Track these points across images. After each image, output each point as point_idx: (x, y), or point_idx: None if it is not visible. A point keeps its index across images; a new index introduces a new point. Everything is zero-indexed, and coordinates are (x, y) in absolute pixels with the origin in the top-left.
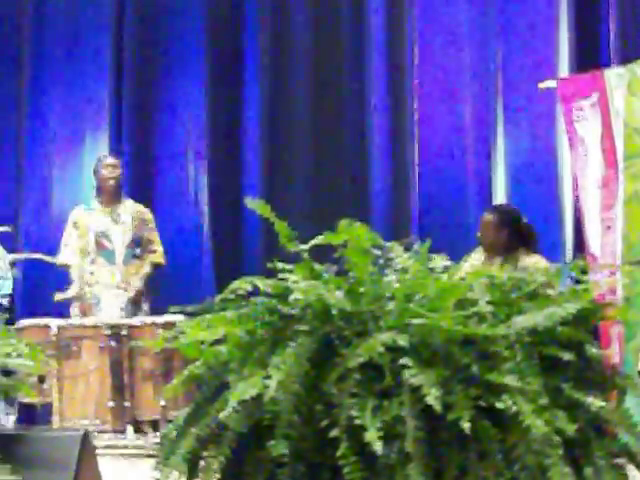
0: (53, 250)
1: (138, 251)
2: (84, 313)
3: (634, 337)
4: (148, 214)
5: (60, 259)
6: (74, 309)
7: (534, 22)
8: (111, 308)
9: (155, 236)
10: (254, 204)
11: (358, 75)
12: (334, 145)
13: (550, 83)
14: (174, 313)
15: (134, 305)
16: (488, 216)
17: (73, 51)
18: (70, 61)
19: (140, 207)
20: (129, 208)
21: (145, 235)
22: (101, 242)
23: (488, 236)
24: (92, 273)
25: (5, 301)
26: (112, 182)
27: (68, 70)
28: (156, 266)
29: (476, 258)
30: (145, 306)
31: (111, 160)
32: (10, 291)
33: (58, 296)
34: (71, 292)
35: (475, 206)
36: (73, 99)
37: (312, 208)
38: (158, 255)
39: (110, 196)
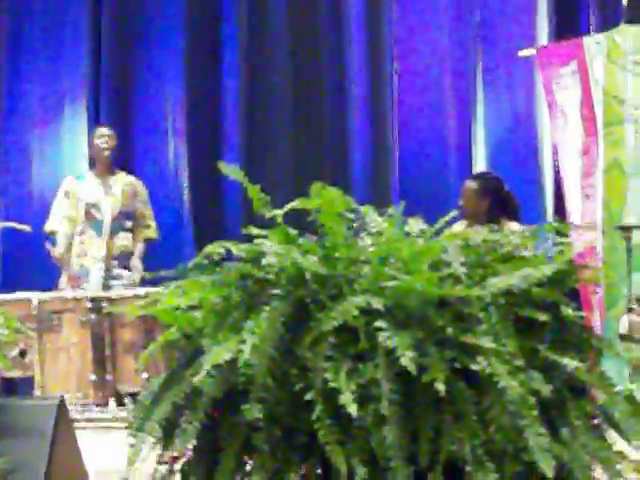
0: (33, 223)
1: (129, 224)
2: (72, 284)
3: (615, 304)
4: (141, 187)
5: (47, 226)
6: (62, 279)
7: None
8: (95, 281)
9: (148, 210)
10: (228, 169)
11: (335, 41)
12: (314, 117)
13: (529, 51)
14: (150, 282)
15: (117, 276)
16: (470, 184)
17: (51, 25)
18: (48, 35)
19: (132, 179)
20: (121, 180)
21: (138, 208)
22: (91, 213)
23: (470, 204)
24: (82, 243)
25: None
26: (106, 152)
27: (46, 44)
28: (149, 241)
29: (457, 229)
30: (129, 280)
31: (105, 130)
32: None
33: (47, 245)
34: (55, 252)
35: (455, 176)
36: (51, 73)
37: (292, 180)
38: (151, 230)
39: (103, 167)
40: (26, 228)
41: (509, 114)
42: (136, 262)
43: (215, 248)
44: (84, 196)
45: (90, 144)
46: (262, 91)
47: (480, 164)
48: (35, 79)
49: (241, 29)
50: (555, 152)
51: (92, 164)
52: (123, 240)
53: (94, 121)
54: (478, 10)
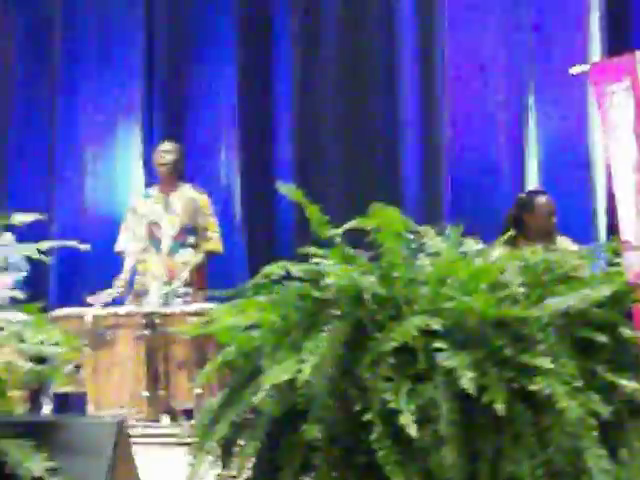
0: (85, 238)
1: (192, 240)
2: (135, 302)
3: None
4: (203, 200)
5: (117, 246)
6: (129, 298)
7: (565, 7)
8: (156, 299)
9: (211, 222)
10: (286, 189)
11: (388, 57)
12: (365, 132)
13: (582, 68)
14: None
15: (180, 294)
16: (552, 200)
17: (105, 41)
18: (102, 51)
19: (195, 193)
20: (183, 195)
21: (200, 222)
22: (152, 231)
23: (554, 222)
24: (144, 261)
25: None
26: (162, 168)
27: (100, 60)
28: (211, 253)
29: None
30: (200, 295)
31: (164, 146)
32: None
33: (89, 299)
34: (105, 297)
35: (507, 193)
36: (105, 91)
37: (344, 196)
38: (213, 242)
39: (163, 182)
40: (87, 248)
41: (561, 131)
42: (183, 274)
43: (274, 268)
44: (146, 213)
45: (153, 160)
46: (314, 105)
47: (532, 181)
48: (89, 94)
49: (294, 42)
50: (608, 169)
51: (157, 179)
52: (184, 257)
53: (148, 135)
54: (530, 27)
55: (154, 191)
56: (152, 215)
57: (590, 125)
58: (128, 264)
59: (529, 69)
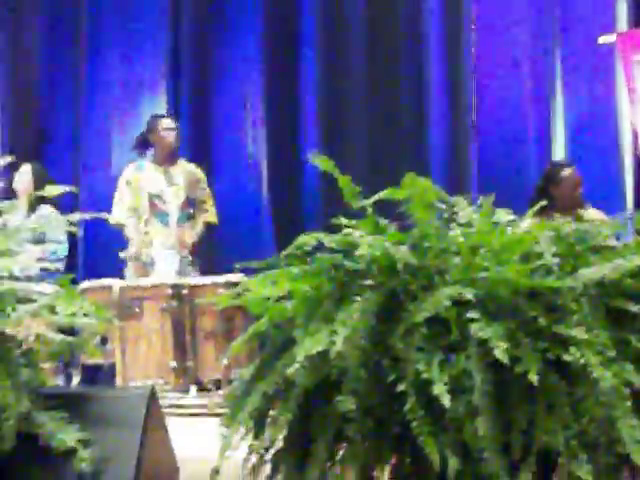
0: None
1: (191, 210)
2: (139, 274)
3: None
4: (200, 174)
5: (113, 217)
6: (128, 270)
7: None
8: (166, 269)
9: (207, 196)
10: (318, 159)
11: (414, 30)
12: (391, 106)
13: (609, 38)
14: (238, 271)
15: (189, 263)
16: (578, 172)
17: (130, 13)
18: (128, 23)
19: (192, 167)
20: (182, 169)
21: (198, 195)
22: (155, 203)
23: (581, 193)
24: (147, 233)
25: (61, 265)
26: (172, 147)
27: (125, 32)
28: (209, 225)
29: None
30: (196, 267)
31: (171, 123)
32: (65, 254)
33: (122, 254)
34: (132, 250)
35: (534, 164)
36: (131, 61)
37: (371, 169)
38: (211, 214)
39: (166, 156)
40: (108, 218)
41: (589, 101)
42: (190, 241)
43: (307, 239)
44: (146, 186)
45: (152, 132)
46: (340, 82)
47: (559, 152)
48: (115, 67)
49: (319, 17)
50: (635, 138)
51: (154, 152)
52: (189, 228)
53: (173, 108)
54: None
55: (147, 164)
56: (153, 188)
57: (617, 94)
58: (132, 233)
59: (556, 40)
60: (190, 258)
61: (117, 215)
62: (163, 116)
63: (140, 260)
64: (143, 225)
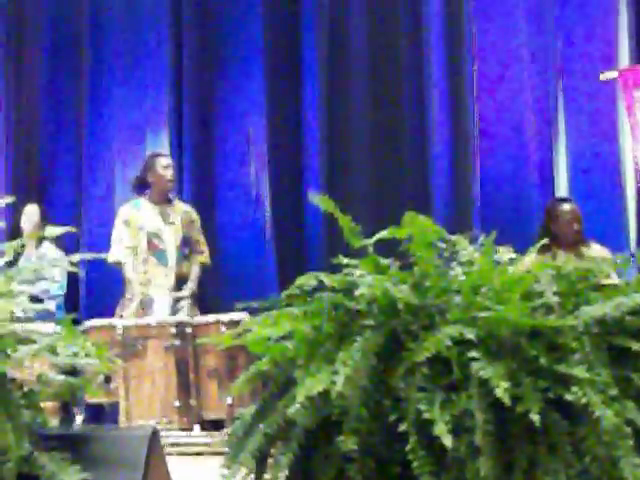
0: None
1: (186, 251)
2: (138, 315)
3: None
4: (195, 214)
5: (111, 256)
6: (127, 310)
7: (594, 13)
8: (165, 309)
9: (201, 237)
10: (317, 199)
11: (416, 63)
12: (394, 139)
13: (611, 74)
14: (240, 310)
15: (191, 306)
16: (577, 208)
17: (133, 54)
18: (130, 64)
19: (188, 207)
20: (178, 208)
21: (193, 235)
22: (153, 242)
23: (581, 229)
24: (145, 272)
25: (52, 304)
26: (170, 184)
27: (128, 73)
28: (204, 266)
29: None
30: (194, 308)
31: (168, 160)
32: (59, 293)
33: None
34: (132, 295)
35: (537, 200)
36: (133, 100)
37: (373, 204)
38: (205, 256)
39: (164, 196)
40: (106, 258)
41: (591, 137)
42: (190, 285)
43: (307, 279)
44: (144, 224)
45: (150, 170)
46: (342, 117)
47: (562, 187)
48: (118, 107)
49: (321, 55)
50: (638, 174)
51: (151, 191)
52: (184, 268)
53: (177, 147)
54: (559, 33)
55: (144, 203)
56: (150, 226)
57: (620, 130)
58: (131, 274)
59: (558, 75)
60: (188, 300)
61: (116, 254)
62: (160, 154)
63: (139, 300)
64: (141, 264)
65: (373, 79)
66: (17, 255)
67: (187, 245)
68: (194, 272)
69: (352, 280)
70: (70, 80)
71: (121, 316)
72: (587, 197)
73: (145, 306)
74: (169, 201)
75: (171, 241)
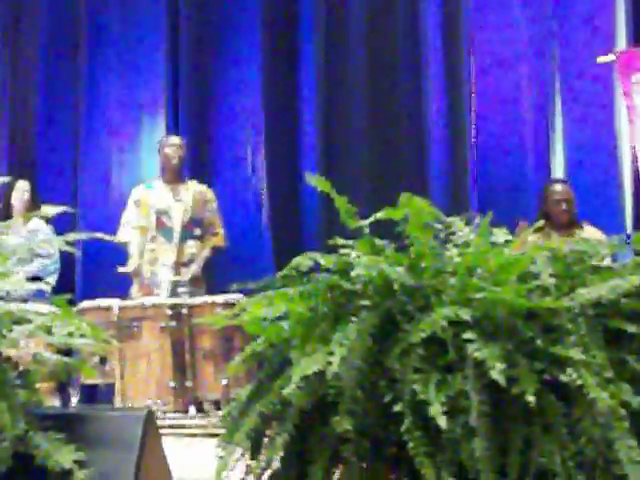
0: (111, 230)
1: (198, 232)
2: (144, 292)
3: None
4: (210, 194)
5: (119, 237)
6: (134, 288)
7: None
8: (168, 288)
9: (217, 218)
10: (314, 180)
11: (413, 52)
12: (391, 125)
13: (609, 57)
14: (235, 291)
15: (192, 288)
16: (569, 189)
17: (130, 36)
18: (126, 46)
19: (203, 188)
20: (191, 188)
21: (206, 216)
22: (161, 220)
23: (571, 209)
24: (152, 250)
25: (51, 279)
26: (175, 161)
27: (125, 55)
28: (217, 249)
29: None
30: (202, 290)
31: (175, 140)
32: (55, 268)
33: (120, 269)
34: (130, 266)
35: (534, 183)
36: (129, 82)
37: (370, 186)
38: (220, 238)
39: (173, 175)
40: (113, 238)
41: (588, 121)
42: (194, 267)
43: (303, 260)
44: (154, 203)
45: (160, 151)
46: (339, 99)
47: (559, 171)
48: (114, 89)
49: (317, 36)
50: (634, 156)
51: (162, 172)
52: (192, 248)
53: (173, 130)
54: (555, 17)
55: (158, 183)
56: (160, 204)
57: (617, 113)
58: (134, 250)
59: (555, 59)
60: (186, 286)
61: (123, 234)
62: (171, 135)
63: (142, 277)
64: (149, 242)
65: (370, 61)
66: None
67: (198, 225)
68: (202, 254)
69: (348, 261)
70: (66, 64)
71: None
72: (583, 180)
73: (151, 283)
74: (181, 180)
75: (178, 218)
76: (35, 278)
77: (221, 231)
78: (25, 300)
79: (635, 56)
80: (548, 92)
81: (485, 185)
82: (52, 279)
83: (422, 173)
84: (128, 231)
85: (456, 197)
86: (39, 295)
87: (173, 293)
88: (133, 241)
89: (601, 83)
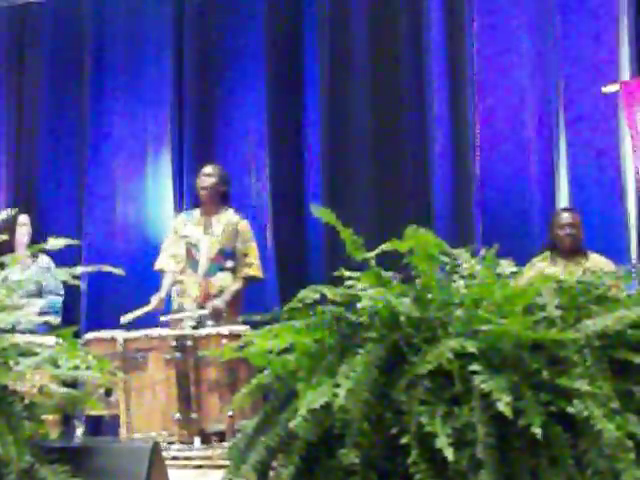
0: (115, 262)
1: (230, 264)
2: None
3: None
4: (244, 225)
5: (156, 265)
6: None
7: (595, 27)
8: (188, 322)
9: (251, 248)
10: (319, 211)
11: (417, 79)
12: (395, 152)
13: (613, 87)
14: (241, 323)
15: (213, 321)
16: (575, 216)
17: (134, 66)
18: (132, 77)
19: (236, 218)
20: (224, 218)
21: (239, 247)
22: (191, 252)
23: (577, 236)
24: (181, 282)
25: (58, 317)
26: (203, 192)
27: (130, 86)
28: (252, 279)
29: (540, 266)
30: (234, 321)
31: (207, 169)
32: (60, 306)
33: (122, 319)
34: (146, 307)
35: (539, 213)
36: (135, 114)
37: (375, 218)
38: (254, 268)
39: (205, 205)
40: (121, 272)
41: (592, 150)
42: (217, 300)
43: (309, 292)
44: (187, 234)
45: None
46: (343, 129)
47: (563, 201)
48: (120, 120)
49: (323, 65)
50: (639, 185)
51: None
52: (221, 280)
53: (178, 161)
54: (560, 47)
55: (196, 213)
56: (192, 236)
57: (622, 144)
58: (166, 282)
59: (559, 88)
60: (211, 314)
61: (159, 262)
62: (206, 164)
63: (172, 310)
64: (179, 274)
65: (373, 88)
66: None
67: (230, 257)
68: (230, 287)
69: (354, 293)
70: (71, 95)
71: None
72: (588, 211)
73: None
74: (216, 211)
75: (205, 251)
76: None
77: (256, 262)
78: (32, 333)
79: (638, 85)
80: (553, 123)
81: (489, 219)
82: (58, 318)
83: (426, 207)
84: (164, 259)
85: (460, 229)
86: (45, 330)
87: (196, 327)
88: (168, 272)
89: (605, 113)
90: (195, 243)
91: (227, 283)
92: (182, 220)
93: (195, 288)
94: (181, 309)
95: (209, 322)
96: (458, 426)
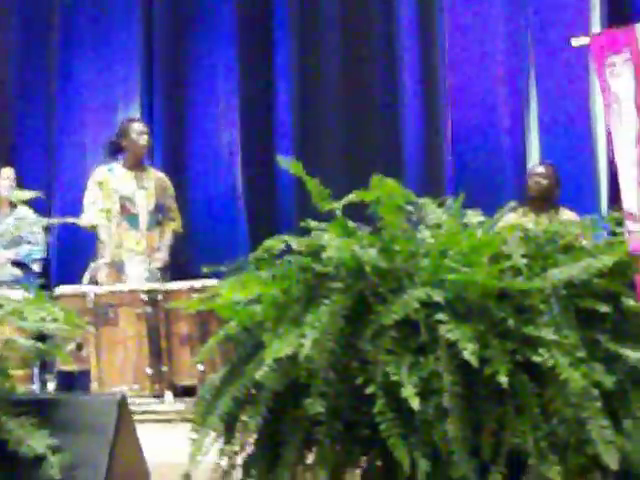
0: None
1: (160, 217)
2: (112, 279)
3: None
4: (168, 182)
5: (85, 219)
6: (102, 273)
7: None
8: (137, 274)
9: (174, 204)
10: (286, 163)
11: (387, 25)
12: (366, 106)
13: (583, 40)
14: (207, 273)
15: (163, 274)
16: (550, 170)
17: (103, 26)
18: (100, 29)
19: (161, 175)
20: (152, 175)
21: (166, 203)
22: (126, 206)
23: (549, 190)
24: (118, 235)
25: (36, 266)
26: (144, 150)
27: (98, 39)
28: (175, 233)
29: (511, 217)
30: (166, 276)
31: (143, 127)
32: (41, 256)
33: (94, 264)
34: (106, 258)
35: (509, 165)
36: (104, 67)
37: (344, 169)
38: (177, 223)
39: (138, 162)
40: (78, 221)
41: (563, 102)
42: (162, 251)
43: (275, 242)
44: (117, 188)
45: (124, 136)
46: (314, 80)
47: (534, 153)
48: (88, 82)
49: (292, 20)
50: (610, 140)
51: (125, 156)
52: (158, 235)
53: (148, 120)
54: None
55: (118, 167)
56: (124, 190)
57: (592, 96)
58: (105, 236)
59: (530, 41)
60: (159, 269)
61: (89, 217)
62: (134, 120)
63: (112, 264)
64: (114, 227)
65: (344, 40)
66: None
67: (160, 212)
68: (166, 241)
69: (320, 243)
70: (41, 49)
71: (91, 279)
72: (558, 161)
73: (116, 268)
74: (143, 167)
75: (143, 205)
76: (19, 264)
77: (178, 216)
78: (18, 282)
79: (609, 39)
80: (523, 75)
81: (460, 170)
82: (37, 266)
83: (397, 157)
84: (94, 214)
85: (431, 181)
86: (20, 281)
87: (149, 281)
88: (103, 225)
89: (576, 67)
90: (130, 197)
91: (164, 237)
92: (106, 174)
93: (138, 243)
94: (121, 262)
95: (158, 276)
96: (424, 375)
